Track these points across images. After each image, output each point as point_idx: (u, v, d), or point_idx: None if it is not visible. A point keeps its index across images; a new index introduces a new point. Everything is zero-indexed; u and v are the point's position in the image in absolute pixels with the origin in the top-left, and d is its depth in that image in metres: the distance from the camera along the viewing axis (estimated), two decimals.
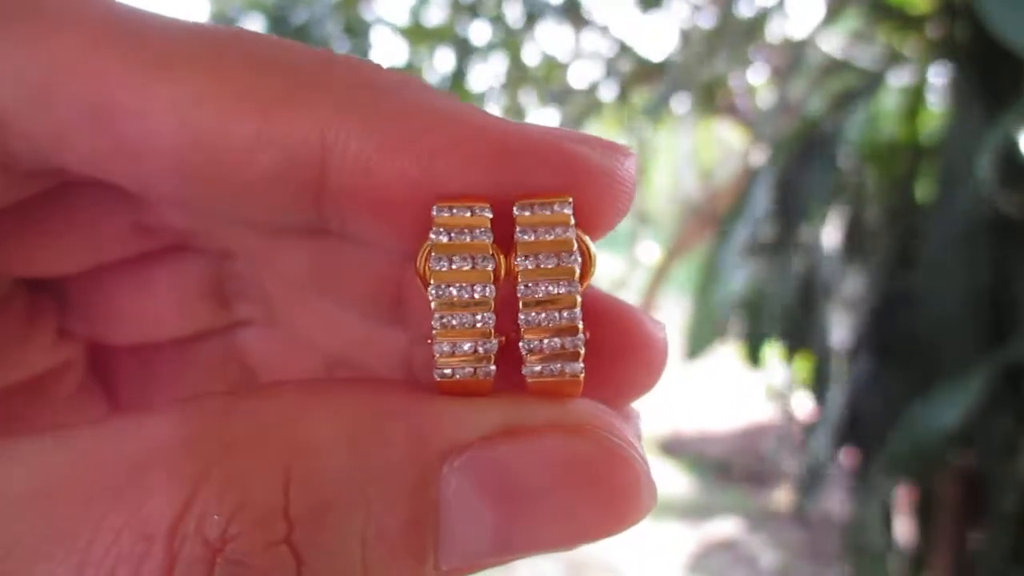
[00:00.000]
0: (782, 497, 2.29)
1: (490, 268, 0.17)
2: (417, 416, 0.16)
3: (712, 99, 1.48)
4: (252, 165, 0.17)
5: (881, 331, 1.15)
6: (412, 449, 0.16)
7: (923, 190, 1.17)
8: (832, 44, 1.37)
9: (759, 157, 1.33)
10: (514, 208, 0.17)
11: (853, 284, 1.30)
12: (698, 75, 1.44)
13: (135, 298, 0.23)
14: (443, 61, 2.13)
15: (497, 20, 1.93)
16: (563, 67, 1.99)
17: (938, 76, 1.18)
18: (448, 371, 0.17)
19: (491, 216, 0.17)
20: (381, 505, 0.15)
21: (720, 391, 2.94)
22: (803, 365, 1.40)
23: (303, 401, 0.16)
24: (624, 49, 1.75)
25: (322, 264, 0.21)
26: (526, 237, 0.17)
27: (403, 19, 2.25)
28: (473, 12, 2.01)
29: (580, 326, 0.17)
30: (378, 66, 0.17)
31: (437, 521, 0.16)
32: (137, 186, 0.18)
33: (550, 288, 0.17)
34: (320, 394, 0.17)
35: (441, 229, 0.17)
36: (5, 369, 0.22)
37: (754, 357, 1.26)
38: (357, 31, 2.29)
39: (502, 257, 0.18)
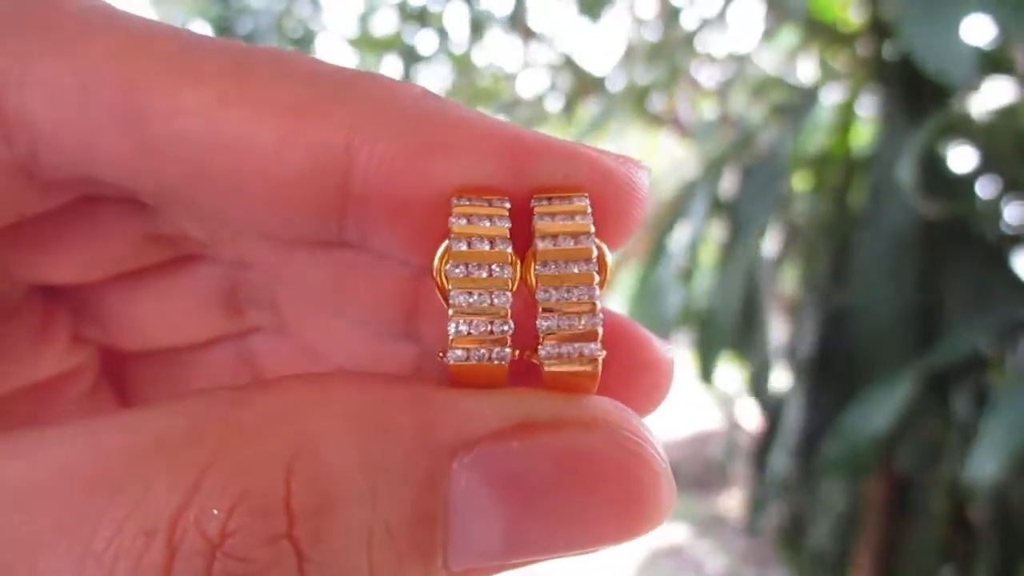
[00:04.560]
0: (728, 503, 2.33)
1: (508, 250, 0.17)
2: (426, 408, 0.16)
3: (641, 105, 1.49)
4: (276, 168, 0.17)
5: (822, 344, 1.18)
6: (420, 442, 0.15)
7: (856, 202, 1.20)
8: (767, 60, 1.41)
9: (697, 169, 1.36)
10: (532, 200, 0.17)
11: (789, 288, 1.33)
12: (637, 87, 1.46)
13: (149, 306, 0.23)
14: (390, 69, 2.12)
15: (443, 33, 1.94)
16: (511, 78, 2.01)
17: (869, 90, 1.22)
18: (461, 352, 0.16)
19: (509, 207, 0.17)
20: (388, 500, 0.15)
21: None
22: (748, 372, 1.41)
23: (308, 392, 0.16)
24: (567, 63, 1.77)
25: (336, 278, 0.21)
26: (544, 222, 0.17)
27: (351, 29, 2.24)
28: (421, 21, 2.01)
29: (599, 305, 0.16)
30: (398, 80, 0.18)
31: (447, 519, 0.15)
32: (163, 191, 0.18)
33: (569, 267, 0.17)
34: (326, 385, 0.16)
35: (462, 216, 0.17)
36: (18, 372, 0.21)
37: (707, 374, 1.27)
38: (304, 41, 2.27)
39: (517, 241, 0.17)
